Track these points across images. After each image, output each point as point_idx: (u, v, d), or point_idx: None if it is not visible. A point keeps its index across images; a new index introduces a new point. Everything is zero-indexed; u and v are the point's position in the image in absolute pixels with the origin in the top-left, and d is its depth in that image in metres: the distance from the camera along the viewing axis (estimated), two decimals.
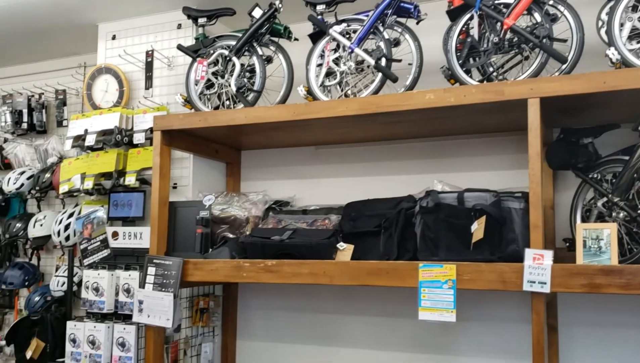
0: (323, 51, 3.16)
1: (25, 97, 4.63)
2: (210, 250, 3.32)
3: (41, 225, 4.27)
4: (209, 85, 3.45)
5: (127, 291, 3.50)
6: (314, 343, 3.75)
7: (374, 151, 3.68)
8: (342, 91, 3.14)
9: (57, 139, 4.48)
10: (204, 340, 3.76)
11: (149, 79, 3.96)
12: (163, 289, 3.15)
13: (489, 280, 2.55)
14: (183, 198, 3.69)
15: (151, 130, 3.61)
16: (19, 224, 4.43)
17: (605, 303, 3.03)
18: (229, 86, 3.34)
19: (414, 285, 2.66)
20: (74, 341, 3.56)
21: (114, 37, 4.12)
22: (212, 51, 3.44)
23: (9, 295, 4.60)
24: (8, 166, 4.68)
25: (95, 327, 3.50)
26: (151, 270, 3.21)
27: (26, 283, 4.39)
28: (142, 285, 3.24)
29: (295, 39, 3.38)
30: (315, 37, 3.21)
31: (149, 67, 3.96)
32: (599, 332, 3.08)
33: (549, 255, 2.45)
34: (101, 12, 4.00)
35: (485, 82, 2.83)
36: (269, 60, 3.36)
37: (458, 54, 2.86)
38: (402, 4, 3.01)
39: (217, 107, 3.44)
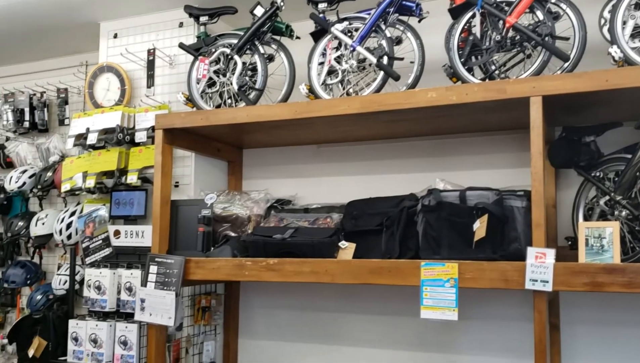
0: (325, 49, 3.16)
1: (27, 96, 4.64)
2: (212, 248, 3.32)
3: (43, 224, 4.27)
4: (211, 83, 3.45)
5: (129, 289, 3.50)
6: (315, 342, 3.75)
7: (376, 149, 3.68)
8: (344, 89, 3.13)
9: (58, 137, 4.48)
10: (205, 339, 3.77)
11: (150, 77, 3.96)
12: (165, 287, 3.16)
13: (491, 279, 2.55)
14: (185, 196, 3.69)
15: (153, 129, 3.61)
16: (21, 223, 4.43)
17: (608, 301, 3.03)
18: (231, 84, 3.34)
19: (416, 284, 2.65)
20: (76, 339, 3.56)
21: (115, 36, 4.12)
22: (213, 50, 3.44)
23: (11, 293, 4.61)
24: (10, 165, 4.68)
25: (97, 325, 3.50)
26: (153, 269, 3.21)
27: (28, 282, 4.39)
28: (144, 283, 3.24)
29: (297, 38, 3.38)
30: (317, 36, 3.20)
31: (150, 65, 3.96)
32: (601, 331, 3.08)
33: (551, 253, 2.45)
34: (103, 10, 4.00)
35: (487, 80, 2.83)
36: (270, 58, 3.36)
37: (460, 52, 2.86)
38: (404, 2, 3.01)
39: (218, 106, 3.43)
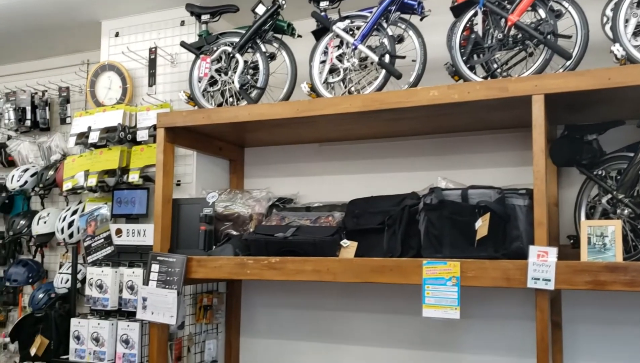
0: (326, 48, 3.15)
1: (28, 95, 4.64)
2: (214, 247, 3.32)
3: (45, 222, 4.27)
4: (212, 82, 3.44)
5: (131, 288, 3.50)
6: (317, 340, 3.75)
7: (378, 148, 3.68)
8: (345, 87, 3.13)
9: (60, 136, 4.49)
10: (207, 337, 3.77)
11: (152, 76, 3.96)
12: (167, 286, 3.16)
13: (493, 277, 2.55)
14: (187, 195, 3.69)
15: (154, 127, 3.62)
16: (22, 222, 4.43)
17: (610, 300, 3.03)
18: (232, 83, 3.34)
19: (417, 282, 2.65)
20: (78, 338, 3.57)
21: (117, 35, 4.12)
22: (215, 48, 3.44)
23: (13, 292, 4.62)
24: (12, 164, 4.69)
25: (99, 324, 3.51)
26: (155, 267, 3.21)
27: (30, 281, 4.40)
28: (146, 282, 3.24)
29: (299, 36, 3.38)
30: (318, 34, 3.20)
31: (152, 64, 3.96)
32: (603, 329, 3.08)
33: (553, 252, 2.44)
34: (104, 9, 4.00)
35: (489, 78, 2.83)
36: (272, 57, 3.35)
37: (462, 50, 2.85)
38: (405, 1, 3.00)
39: (220, 104, 3.43)
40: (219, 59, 3.43)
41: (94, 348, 3.50)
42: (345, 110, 2.93)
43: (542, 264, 2.44)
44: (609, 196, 2.79)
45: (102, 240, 3.66)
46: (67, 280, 4.00)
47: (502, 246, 2.66)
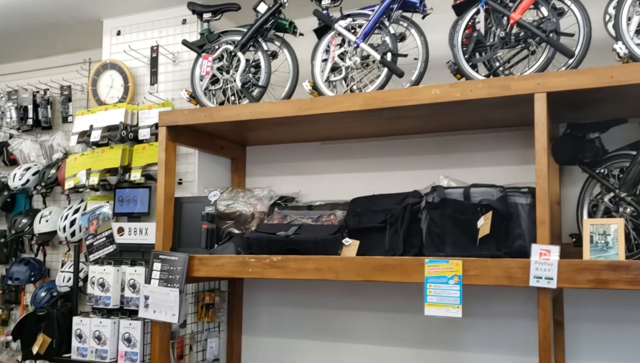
0: (328, 46, 3.15)
1: (30, 93, 4.64)
2: (216, 245, 3.32)
3: (47, 221, 4.27)
4: (214, 80, 3.44)
5: (133, 286, 3.51)
6: (319, 339, 3.75)
7: (380, 146, 3.67)
8: (347, 86, 3.13)
9: (62, 135, 4.49)
10: (209, 336, 3.77)
11: (154, 74, 3.96)
12: (169, 285, 3.16)
13: (495, 276, 2.54)
14: (188, 193, 3.69)
15: (156, 126, 3.60)
16: (24, 220, 4.44)
17: (612, 298, 3.02)
18: (234, 81, 3.34)
19: (419, 281, 2.65)
20: (80, 336, 3.57)
21: (118, 33, 4.12)
22: (217, 47, 3.44)
23: (15, 290, 4.62)
24: (13, 162, 4.69)
25: (101, 322, 3.51)
26: (157, 266, 3.21)
27: (32, 279, 4.40)
28: (147, 280, 3.24)
29: (301, 34, 3.38)
30: (320, 32, 3.20)
31: (154, 62, 3.96)
32: (605, 328, 3.07)
33: (555, 250, 2.44)
34: (106, 7, 3.99)
35: (491, 77, 2.82)
36: (274, 55, 3.35)
37: (464, 48, 2.85)
38: None
39: (222, 103, 3.43)
40: (220, 58, 3.43)
41: (96, 346, 3.51)
42: (347, 108, 2.93)
43: (544, 262, 2.44)
44: (612, 194, 2.79)
45: (104, 239, 3.66)
46: (69, 279, 4.00)
47: (505, 245, 2.66)
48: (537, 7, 2.75)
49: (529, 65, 2.78)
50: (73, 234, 4.07)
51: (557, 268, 2.41)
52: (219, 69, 3.43)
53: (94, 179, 3.84)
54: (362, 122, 3.28)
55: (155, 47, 3.96)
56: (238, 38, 3.36)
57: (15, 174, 4.40)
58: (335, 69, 3.14)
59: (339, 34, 3.11)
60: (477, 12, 2.84)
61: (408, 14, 3.03)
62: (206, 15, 3.52)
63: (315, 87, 3.13)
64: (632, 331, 3.02)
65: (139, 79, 4.01)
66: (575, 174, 3.08)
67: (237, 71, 3.32)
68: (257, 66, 3.34)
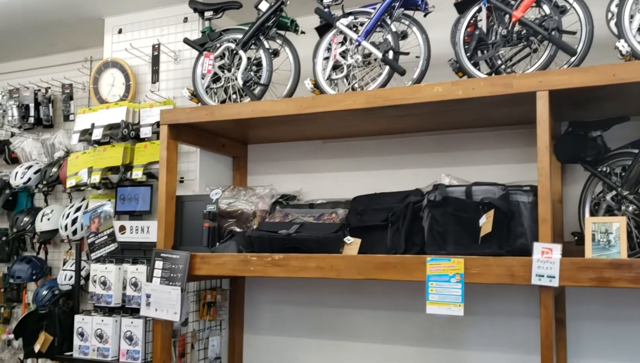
0: (330, 44, 3.15)
1: (31, 92, 4.64)
2: (218, 244, 3.32)
3: (48, 219, 4.28)
4: (216, 79, 3.44)
5: (135, 285, 3.51)
6: (321, 337, 3.75)
7: (381, 144, 3.67)
8: (349, 84, 3.12)
9: (63, 133, 4.49)
10: (211, 334, 3.77)
11: (155, 73, 3.96)
12: (170, 283, 3.16)
13: (497, 274, 2.54)
14: (190, 192, 3.69)
15: (158, 124, 3.61)
16: (26, 219, 4.44)
17: (614, 297, 3.02)
18: (236, 79, 3.33)
19: (421, 279, 2.65)
20: (81, 335, 3.57)
21: (120, 31, 4.12)
22: (218, 45, 3.43)
23: (17, 288, 4.62)
24: (15, 161, 4.69)
25: (102, 320, 3.51)
26: (158, 264, 3.21)
27: (34, 277, 4.40)
28: (149, 278, 3.24)
29: (302, 32, 3.37)
30: (322, 30, 3.19)
31: (155, 61, 3.96)
32: (607, 326, 3.07)
33: (557, 248, 2.44)
34: (107, 5, 3.99)
35: (493, 75, 2.81)
36: (275, 53, 3.35)
37: (466, 46, 2.84)
38: None
39: (223, 101, 3.43)
40: (222, 56, 3.42)
41: (98, 344, 3.51)
42: (348, 107, 2.93)
43: (546, 261, 2.43)
44: (614, 192, 2.79)
45: (106, 237, 3.67)
46: (71, 277, 4.01)
47: (506, 243, 2.66)
48: (539, 5, 2.75)
49: (531, 63, 2.78)
50: (75, 232, 4.07)
51: (559, 266, 2.41)
52: (220, 67, 3.42)
53: (96, 178, 3.83)
54: (364, 121, 3.27)
55: (156, 46, 3.96)
56: (239, 36, 3.36)
57: (16, 173, 4.40)
58: (337, 67, 3.14)
59: (341, 32, 3.11)
60: (479, 10, 2.84)
61: (410, 12, 3.03)
62: (208, 14, 3.51)
63: (316, 86, 3.13)
64: (634, 329, 3.02)
65: (140, 77, 4.01)
66: (577, 172, 3.07)
67: (238, 69, 3.32)
68: (259, 64, 3.34)
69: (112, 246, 3.65)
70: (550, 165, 2.54)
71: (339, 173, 3.79)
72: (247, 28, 3.34)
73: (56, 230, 4.23)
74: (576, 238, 2.95)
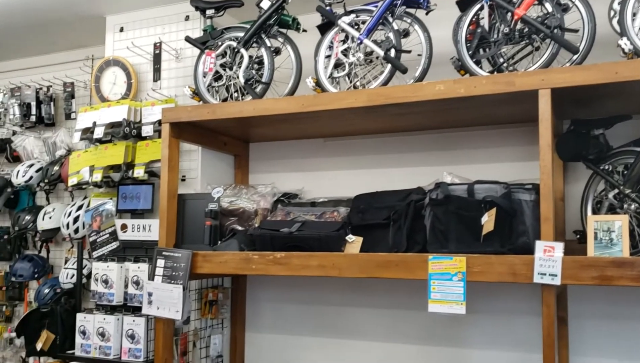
0: (332, 42, 3.14)
1: (33, 90, 4.64)
2: (219, 242, 3.32)
3: (50, 218, 4.28)
4: (217, 77, 3.44)
5: (137, 283, 3.51)
6: (322, 336, 3.75)
7: (383, 143, 3.67)
8: (351, 82, 3.12)
9: (65, 131, 4.49)
10: (213, 332, 3.77)
11: (157, 71, 3.96)
12: (172, 281, 3.16)
13: (499, 272, 2.54)
14: (192, 190, 3.69)
15: (159, 122, 3.61)
16: (28, 217, 4.44)
17: (616, 295, 3.02)
18: (237, 77, 3.33)
19: (423, 278, 2.65)
20: (83, 333, 3.57)
21: (121, 30, 4.12)
22: (220, 43, 3.43)
23: (19, 287, 4.63)
24: (17, 159, 4.70)
25: (104, 319, 3.52)
26: (160, 262, 3.21)
27: (36, 276, 4.41)
28: (151, 277, 3.24)
29: (304, 30, 3.37)
30: (323, 29, 3.19)
31: (156, 59, 3.96)
32: (609, 325, 3.07)
33: (559, 247, 2.43)
34: (109, 4, 3.99)
35: (495, 73, 2.81)
36: (277, 51, 3.34)
37: (468, 44, 2.84)
38: None
39: (225, 100, 3.43)
40: (223, 54, 3.42)
41: (100, 343, 3.51)
42: (350, 105, 2.93)
43: (548, 259, 2.43)
44: (616, 191, 2.78)
45: (108, 235, 3.67)
46: (73, 275, 4.01)
47: (509, 241, 2.65)
48: (541, 3, 2.74)
49: (533, 61, 2.78)
50: (76, 231, 4.08)
51: (561, 264, 2.41)
52: (222, 65, 3.42)
53: (97, 176, 3.84)
54: (366, 119, 3.27)
55: (158, 44, 3.96)
56: (241, 34, 3.35)
57: (18, 171, 4.41)
58: (338, 65, 3.13)
59: (343, 30, 3.10)
60: (481, 8, 2.84)
61: (412, 10, 3.03)
62: (209, 12, 3.51)
63: (318, 84, 3.12)
64: (636, 328, 3.02)
65: (142, 75, 4.01)
66: (580, 170, 3.07)
67: (240, 67, 3.31)
68: (260, 63, 3.34)
69: (114, 245, 3.65)
70: (553, 163, 2.54)
71: (340, 171, 3.79)
72: (248, 26, 3.34)
73: (58, 229, 4.24)
74: (578, 236, 2.95)
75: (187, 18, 3.90)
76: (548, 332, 2.46)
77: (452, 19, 2.94)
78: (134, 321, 3.47)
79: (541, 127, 2.52)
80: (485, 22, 2.82)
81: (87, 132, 3.94)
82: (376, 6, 3.03)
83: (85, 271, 3.96)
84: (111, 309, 3.57)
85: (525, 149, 3.22)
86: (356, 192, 3.29)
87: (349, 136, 3.74)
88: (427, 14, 3.03)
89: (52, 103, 4.65)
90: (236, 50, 3.36)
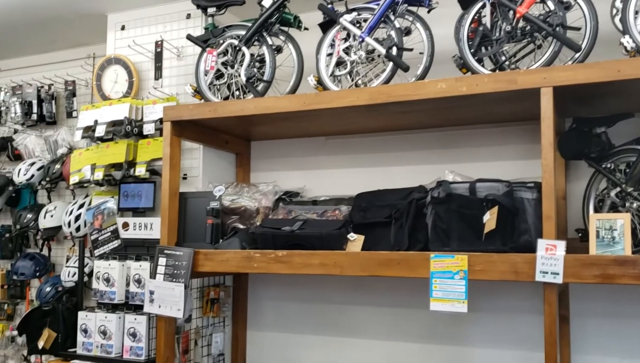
0: (333, 40, 3.14)
1: (34, 88, 4.64)
2: (221, 240, 3.32)
3: (52, 216, 4.28)
4: (219, 75, 3.44)
5: (138, 281, 3.51)
6: (324, 334, 3.75)
7: (385, 141, 3.66)
8: (352, 80, 3.12)
9: (67, 130, 4.49)
10: (214, 330, 3.77)
11: (158, 69, 3.96)
12: (174, 279, 3.16)
13: (501, 271, 2.54)
14: (193, 188, 3.69)
15: (161, 121, 3.61)
16: (29, 215, 4.45)
17: (618, 294, 3.01)
18: (239, 76, 3.33)
19: (425, 276, 2.65)
20: (85, 331, 3.58)
21: (123, 28, 4.12)
22: (221, 41, 3.43)
23: (21, 285, 4.63)
24: (18, 157, 4.70)
25: (106, 317, 3.52)
26: (162, 261, 3.21)
27: (37, 274, 4.41)
28: (152, 275, 3.24)
29: (305, 29, 3.37)
30: (325, 27, 3.19)
31: (158, 57, 3.96)
32: (611, 323, 3.06)
33: (561, 245, 2.43)
34: (110, 2, 3.99)
35: (497, 71, 2.81)
36: (278, 50, 3.34)
37: (470, 42, 2.84)
38: None
39: (226, 98, 3.42)
40: (225, 52, 3.42)
41: (101, 341, 3.51)
42: (352, 103, 2.92)
43: (550, 257, 2.43)
44: (618, 189, 2.78)
45: (109, 234, 3.67)
46: (74, 274, 4.01)
47: (510, 240, 2.65)
48: (543, 1, 2.74)
49: (535, 59, 2.77)
50: (78, 229, 4.07)
51: (563, 263, 2.41)
52: (223, 63, 3.42)
53: (99, 174, 3.84)
54: (367, 117, 3.27)
55: (159, 42, 3.95)
56: (243, 33, 3.35)
57: (20, 170, 4.41)
58: (340, 63, 3.13)
59: (344, 28, 3.10)
60: (483, 6, 2.83)
61: (413, 8, 3.02)
62: (210, 10, 3.51)
63: (320, 82, 3.12)
64: (638, 326, 3.02)
65: (143, 74, 4.01)
66: (582, 169, 3.06)
67: (241, 65, 3.31)
68: (262, 61, 3.34)
69: (116, 243, 3.65)
70: (555, 162, 2.53)
71: (342, 169, 3.78)
72: (250, 24, 3.34)
73: (59, 227, 4.24)
74: (580, 234, 2.94)
75: (188, 16, 3.89)
76: (550, 330, 2.46)
77: (454, 17, 2.94)
78: (135, 319, 3.47)
79: (543, 125, 2.52)
80: (487, 20, 2.81)
81: (89, 131, 3.94)
82: (378, 4, 3.02)
83: (86, 270, 3.96)
84: (113, 307, 3.57)
85: (527, 147, 3.22)
86: (358, 190, 3.29)
87: (351, 135, 3.74)
88: (428, 12, 3.03)
89: (53, 101, 4.65)
90: (238, 48, 3.35)
